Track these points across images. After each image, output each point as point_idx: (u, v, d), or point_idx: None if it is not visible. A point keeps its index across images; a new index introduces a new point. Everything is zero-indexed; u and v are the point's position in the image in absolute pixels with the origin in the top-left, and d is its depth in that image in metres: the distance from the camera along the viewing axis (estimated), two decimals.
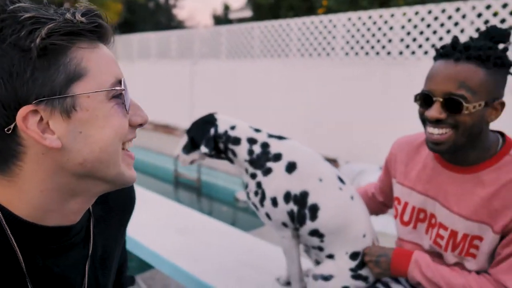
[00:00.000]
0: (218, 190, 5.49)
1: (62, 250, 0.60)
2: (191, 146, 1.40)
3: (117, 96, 0.57)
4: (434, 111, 0.98)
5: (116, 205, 0.75)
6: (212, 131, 1.34)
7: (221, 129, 1.34)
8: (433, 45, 4.99)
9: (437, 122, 1.00)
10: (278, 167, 1.27)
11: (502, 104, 0.99)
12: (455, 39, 1.02)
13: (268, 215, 1.31)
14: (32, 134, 0.51)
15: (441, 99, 0.97)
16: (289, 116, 6.56)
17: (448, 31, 4.93)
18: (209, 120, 1.37)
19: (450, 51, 0.99)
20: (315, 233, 1.26)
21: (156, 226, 2.06)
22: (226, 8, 16.40)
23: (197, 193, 5.60)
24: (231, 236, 1.99)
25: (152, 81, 9.57)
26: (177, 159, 1.44)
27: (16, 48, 0.49)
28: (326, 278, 1.24)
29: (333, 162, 5.79)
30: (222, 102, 7.45)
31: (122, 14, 10.56)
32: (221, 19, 16.11)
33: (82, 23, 0.53)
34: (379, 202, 1.42)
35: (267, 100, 6.90)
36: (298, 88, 6.43)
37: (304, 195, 1.25)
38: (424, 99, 1.01)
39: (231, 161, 1.37)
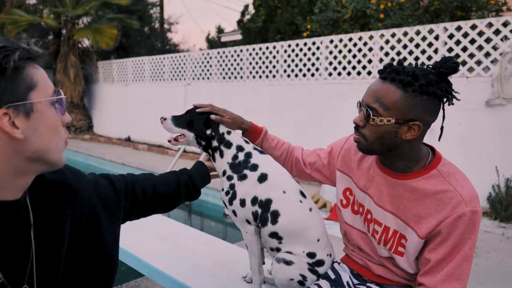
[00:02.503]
0: (207, 207, 5.67)
1: (7, 219, 0.79)
2: (186, 124, 1.58)
3: (56, 102, 0.80)
4: (356, 117, 1.19)
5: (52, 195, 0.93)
6: (209, 132, 1.55)
7: (221, 129, 1.57)
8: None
9: (356, 128, 1.21)
10: (252, 176, 1.49)
11: (419, 127, 1.10)
12: (391, 62, 1.19)
13: (234, 212, 1.52)
14: (6, 129, 0.72)
15: (363, 109, 1.16)
16: (277, 134, 6.78)
17: (424, 51, 5.23)
18: (211, 121, 1.57)
19: (382, 71, 1.17)
20: (274, 235, 1.47)
21: (141, 235, 2.24)
22: (220, 31, 16.87)
23: (188, 210, 5.76)
24: (208, 243, 2.17)
25: (146, 103, 9.83)
26: (162, 121, 1.59)
27: None
28: (288, 262, 1.43)
29: None
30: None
31: (117, 39, 10.90)
32: (215, 42, 16.55)
33: (35, 50, 0.77)
34: (301, 169, 1.64)
35: (256, 119, 7.13)
36: (285, 107, 6.69)
37: (268, 201, 1.46)
38: (359, 107, 1.21)
39: (214, 159, 1.58)
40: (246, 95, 7.36)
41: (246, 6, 10.02)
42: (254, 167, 1.50)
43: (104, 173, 1.19)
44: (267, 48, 6.95)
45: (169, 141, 1.60)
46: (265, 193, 1.47)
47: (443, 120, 1.20)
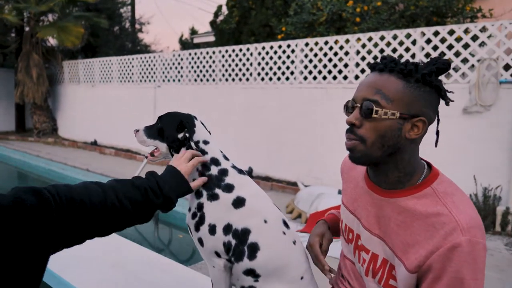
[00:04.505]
0: (175, 216, 5.33)
1: None
2: (157, 134, 1.33)
3: None
4: (350, 116, 0.98)
5: None
6: (181, 135, 1.30)
7: (196, 137, 1.30)
8: None
9: (351, 130, 0.98)
10: (225, 198, 1.23)
11: (424, 123, 0.96)
12: (385, 55, 1.03)
13: (201, 241, 1.25)
14: None
15: (359, 105, 0.97)
16: (249, 139, 6.54)
17: (401, 56, 5.11)
18: (188, 122, 1.31)
19: (376, 64, 1.00)
20: (250, 272, 1.20)
21: (86, 260, 1.92)
22: (194, 33, 16.52)
23: (155, 221, 5.41)
24: (169, 270, 1.88)
25: (114, 105, 9.38)
26: (135, 133, 1.36)
27: None
28: None
29: (293, 185, 5.77)
30: None
31: (84, 38, 10.38)
32: (188, 44, 16.18)
33: None
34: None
35: (228, 124, 6.87)
36: (258, 111, 6.45)
37: (245, 232, 1.20)
38: (350, 108, 1.01)
39: None
40: (218, 98, 7.08)
41: (220, 7, 9.74)
42: (229, 188, 1.24)
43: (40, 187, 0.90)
44: (240, 50, 6.70)
45: (146, 157, 1.37)
46: (242, 221, 1.21)
47: (438, 123, 1.03)
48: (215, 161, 1.29)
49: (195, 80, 7.61)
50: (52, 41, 11.33)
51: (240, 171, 1.32)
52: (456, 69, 4.74)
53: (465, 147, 4.48)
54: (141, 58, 8.77)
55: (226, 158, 1.34)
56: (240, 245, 1.20)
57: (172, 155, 1.34)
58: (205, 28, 13.12)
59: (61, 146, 10.21)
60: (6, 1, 10.74)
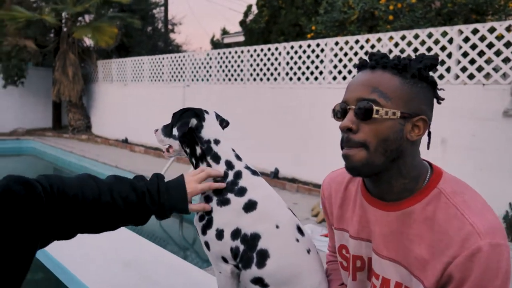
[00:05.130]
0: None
1: None
2: (170, 131, 1.29)
3: None
4: (345, 120, 0.86)
5: None
6: (192, 122, 1.23)
7: (206, 134, 1.24)
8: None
9: (348, 138, 0.87)
10: (236, 202, 1.16)
11: (425, 122, 0.86)
12: (373, 52, 0.93)
13: (207, 245, 1.19)
14: None
15: (354, 106, 0.86)
16: (276, 139, 6.45)
17: (436, 56, 4.86)
18: (197, 114, 1.26)
19: (366, 62, 0.91)
20: (258, 281, 1.12)
21: (102, 260, 1.89)
22: (225, 33, 16.61)
23: (179, 218, 5.43)
24: (183, 272, 1.82)
25: (144, 104, 9.54)
26: (154, 133, 1.34)
27: None
28: None
29: (319, 188, 5.63)
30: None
31: (118, 38, 10.63)
32: (219, 44, 16.28)
33: None
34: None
35: (255, 123, 6.81)
36: (286, 111, 6.35)
37: (255, 237, 1.13)
38: (341, 112, 0.90)
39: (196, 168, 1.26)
40: (246, 97, 7.03)
41: (249, 7, 9.70)
42: (241, 192, 1.17)
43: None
44: (269, 49, 6.62)
45: (163, 152, 1.34)
46: (251, 225, 1.13)
47: (430, 123, 0.91)
48: (229, 164, 1.22)
49: (223, 79, 7.60)
50: (87, 41, 11.67)
51: (254, 172, 1.25)
52: (496, 69, 4.45)
53: (505, 152, 4.20)
54: (171, 57, 8.86)
55: (238, 158, 1.26)
56: (249, 251, 1.12)
57: (186, 152, 1.28)
58: (236, 29, 13.15)
59: (94, 143, 10.49)
60: (46, 3, 11.17)
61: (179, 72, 8.67)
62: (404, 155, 0.86)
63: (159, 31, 14.72)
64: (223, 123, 1.37)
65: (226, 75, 7.53)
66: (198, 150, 1.25)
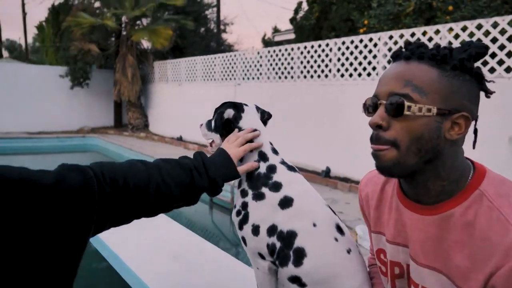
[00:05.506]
0: None
1: None
2: (211, 125, 1.32)
3: None
4: (375, 116, 0.80)
5: None
6: (230, 113, 1.24)
7: (243, 125, 1.24)
8: (486, 63, 4.58)
9: (376, 135, 0.80)
10: (272, 197, 1.15)
11: (466, 119, 0.77)
12: (409, 41, 0.85)
13: (244, 240, 1.19)
14: None
15: (384, 101, 0.79)
16: (327, 138, 6.34)
17: (502, 47, 4.51)
18: (235, 105, 1.27)
19: (400, 52, 0.83)
20: (295, 280, 1.11)
21: (150, 251, 1.98)
22: (276, 31, 16.61)
23: (230, 214, 5.53)
24: (226, 266, 1.86)
25: (198, 103, 9.81)
26: (200, 127, 1.36)
27: None
28: None
29: None
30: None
31: (172, 39, 11.03)
32: (271, 43, 16.32)
33: None
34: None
35: (305, 121, 6.74)
36: (338, 109, 6.22)
37: (291, 234, 1.11)
38: (372, 106, 0.83)
39: None
40: (296, 95, 6.98)
41: (300, 4, 9.61)
42: (276, 187, 1.15)
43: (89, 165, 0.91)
44: (319, 46, 6.53)
45: (207, 147, 1.37)
46: (287, 222, 1.12)
47: (476, 120, 0.82)
48: (263, 156, 1.21)
49: (274, 77, 7.61)
50: (144, 44, 12.23)
51: (290, 168, 1.22)
52: None
53: None
54: (222, 57, 9.03)
55: (275, 152, 1.24)
56: (285, 249, 1.11)
57: None
58: (287, 27, 13.10)
59: (151, 141, 10.98)
60: (107, 9, 11.86)
61: (230, 71, 8.81)
62: (442, 155, 0.79)
63: (212, 32, 15.05)
64: (265, 115, 1.34)
65: (276, 73, 7.53)
66: None
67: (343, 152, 6.12)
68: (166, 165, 1.03)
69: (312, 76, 6.76)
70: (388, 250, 0.95)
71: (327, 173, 6.20)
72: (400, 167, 0.79)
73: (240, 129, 1.24)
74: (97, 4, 12.58)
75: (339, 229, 1.14)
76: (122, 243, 2.03)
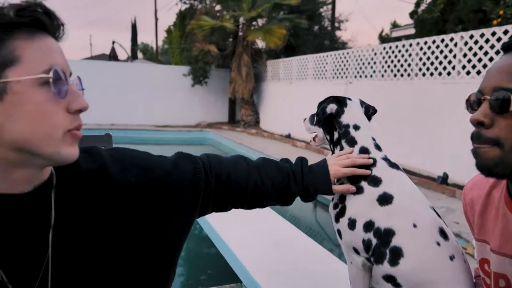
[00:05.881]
0: None
1: (15, 215, 0.66)
2: (314, 118, 1.34)
3: (49, 83, 0.61)
4: (477, 113, 0.73)
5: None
6: (332, 108, 1.24)
7: (346, 119, 1.24)
8: None
9: (479, 133, 0.73)
10: (370, 193, 1.13)
11: None
12: None
13: (339, 233, 1.18)
14: None
15: (489, 97, 0.72)
16: (444, 141, 5.79)
17: None
18: (338, 100, 1.27)
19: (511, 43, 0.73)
20: (390, 279, 1.07)
21: (251, 238, 2.09)
22: (395, 26, 15.73)
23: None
24: (325, 262, 1.86)
25: (308, 101, 9.84)
26: (303, 121, 1.39)
27: None
28: None
29: None
30: (376, 121, 7.11)
31: (285, 38, 11.26)
32: (388, 39, 15.52)
33: (19, 16, 0.60)
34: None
35: (420, 123, 6.26)
36: (460, 110, 5.63)
37: (389, 232, 1.07)
38: (476, 102, 0.76)
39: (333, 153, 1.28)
40: (412, 94, 6.53)
41: None
42: (376, 181, 1.13)
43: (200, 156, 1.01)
44: (442, 41, 5.99)
45: (310, 142, 1.39)
46: (385, 219, 1.09)
47: None
48: (365, 151, 1.18)
49: (388, 75, 7.23)
50: (259, 43, 12.72)
51: (392, 165, 1.17)
52: None
53: None
54: (334, 55, 8.90)
55: (378, 147, 1.20)
56: (382, 246, 1.07)
57: (328, 140, 1.29)
58: (408, 21, 12.29)
59: (261, 137, 11.40)
60: (226, 11, 12.63)
61: (341, 69, 8.64)
62: None
63: (325, 30, 14.92)
64: (369, 110, 1.30)
65: (392, 71, 7.14)
66: (336, 135, 1.24)
67: (463, 157, 5.53)
68: (266, 166, 1.09)
69: (432, 74, 6.24)
70: (492, 260, 0.87)
71: (444, 179, 5.68)
72: (503, 167, 0.72)
73: (340, 123, 1.23)
74: (217, 8, 13.48)
75: (442, 233, 1.07)
76: (228, 230, 2.18)
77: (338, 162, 1.15)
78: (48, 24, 0.64)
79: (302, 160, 1.15)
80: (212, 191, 0.97)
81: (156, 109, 13.19)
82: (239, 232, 2.17)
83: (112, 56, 18.27)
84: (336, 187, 1.14)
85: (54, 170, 0.73)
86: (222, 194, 1.00)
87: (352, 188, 1.14)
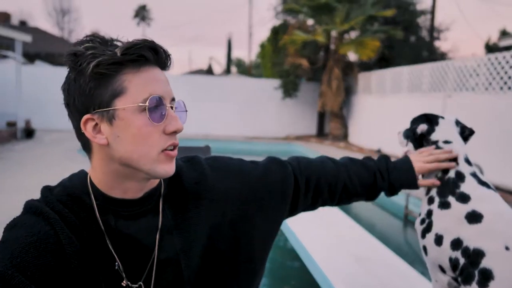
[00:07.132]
0: None
1: (129, 217, 0.80)
2: (408, 134, 1.33)
3: (149, 109, 0.74)
4: None
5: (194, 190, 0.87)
6: (423, 129, 1.24)
7: (435, 137, 1.24)
8: None
9: None
10: (458, 209, 1.11)
11: None
12: None
13: (425, 249, 1.17)
14: (87, 134, 0.75)
15: None
16: None
17: None
18: (429, 119, 1.27)
19: None
20: None
21: (334, 250, 2.11)
22: (504, 34, 14.29)
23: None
24: (405, 277, 1.82)
25: (401, 115, 9.42)
26: (397, 135, 1.38)
27: (82, 75, 0.74)
28: None
29: None
30: (478, 141, 6.55)
31: (379, 50, 10.94)
32: (496, 48, 14.15)
33: (126, 55, 0.72)
34: None
35: None
36: None
37: (478, 253, 1.04)
38: None
39: None
40: None
41: None
42: (464, 198, 1.11)
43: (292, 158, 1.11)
44: None
45: None
46: (475, 239, 1.06)
47: None
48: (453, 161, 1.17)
49: (493, 88, 6.62)
50: (351, 56, 12.54)
51: (482, 183, 1.14)
52: None
53: None
54: (431, 67, 8.42)
55: (468, 162, 1.17)
56: (470, 267, 1.04)
57: None
58: None
59: (349, 151, 11.15)
60: (319, 25, 12.73)
61: (440, 82, 8.13)
62: None
63: (423, 40, 14.15)
64: (465, 131, 1.26)
65: (498, 83, 6.53)
66: None
67: None
68: (353, 165, 1.14)
69: None
70: None
71: None
72: None
73: (429, 141, 1.22)
74: (310, 22, 13.64)
75: None
76: (314, 242, 2.24)
77: (422, 159, 1.16)
78: (151, 58, 0.76)
79: (385, 158, 1.19)
80: (302, 193, 1.05)
81: (247, 120, 13.74)
82: (323, 244, 2.22)
83: (209, 71, 19.49)
84: (421, 181, 1.15)
85: (162, 178, 0.86)
86: (312, 195, 1.08)
87: (437, 182, 1.15)
